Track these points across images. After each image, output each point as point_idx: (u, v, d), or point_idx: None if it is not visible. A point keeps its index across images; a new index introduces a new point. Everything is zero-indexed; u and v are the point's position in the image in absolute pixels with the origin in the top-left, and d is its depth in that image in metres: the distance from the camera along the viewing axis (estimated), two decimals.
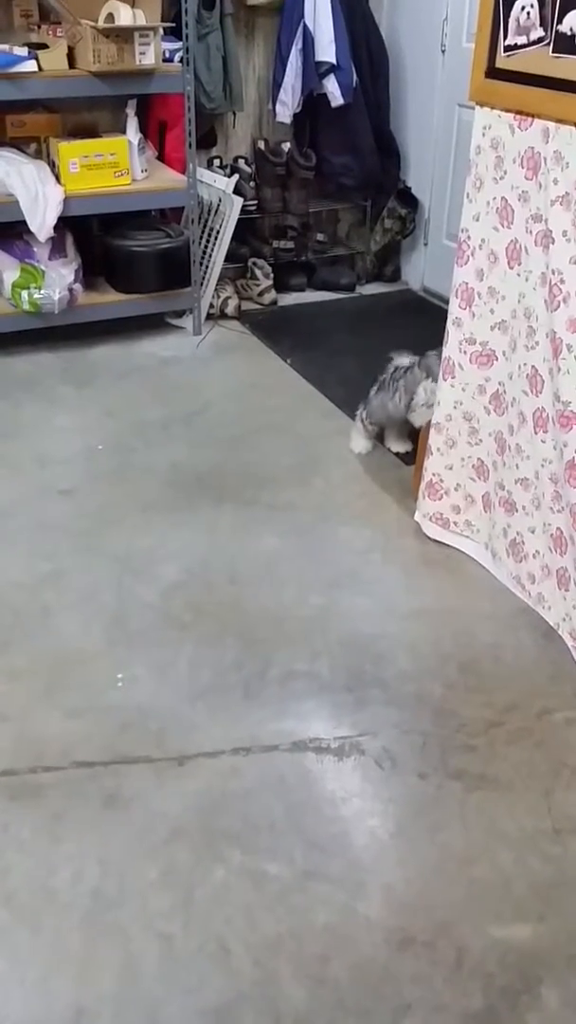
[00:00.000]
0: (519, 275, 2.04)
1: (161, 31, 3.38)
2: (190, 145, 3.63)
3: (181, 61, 3.57)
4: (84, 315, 3.70)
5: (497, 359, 2.17)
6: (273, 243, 4.42)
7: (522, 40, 1.85)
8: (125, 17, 3.30)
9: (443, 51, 4.04)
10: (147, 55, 3.35)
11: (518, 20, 1.84)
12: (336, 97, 4.07)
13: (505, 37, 1.88)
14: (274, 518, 2.66)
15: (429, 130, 4.22)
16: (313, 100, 4.14)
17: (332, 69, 4.02)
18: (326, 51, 3.98)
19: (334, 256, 4.62)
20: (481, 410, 2.26)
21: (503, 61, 1.91)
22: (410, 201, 4.37)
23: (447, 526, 2.49)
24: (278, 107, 4.12)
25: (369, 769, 1.83)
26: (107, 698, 1.98)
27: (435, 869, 1.65)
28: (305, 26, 3.96)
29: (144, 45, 3.33)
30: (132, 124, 3.62)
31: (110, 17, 3.33)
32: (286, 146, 4.24)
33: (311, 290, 4.53)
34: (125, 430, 3.15)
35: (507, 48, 1.89)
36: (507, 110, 1.94)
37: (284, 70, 4.04)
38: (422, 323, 4.14)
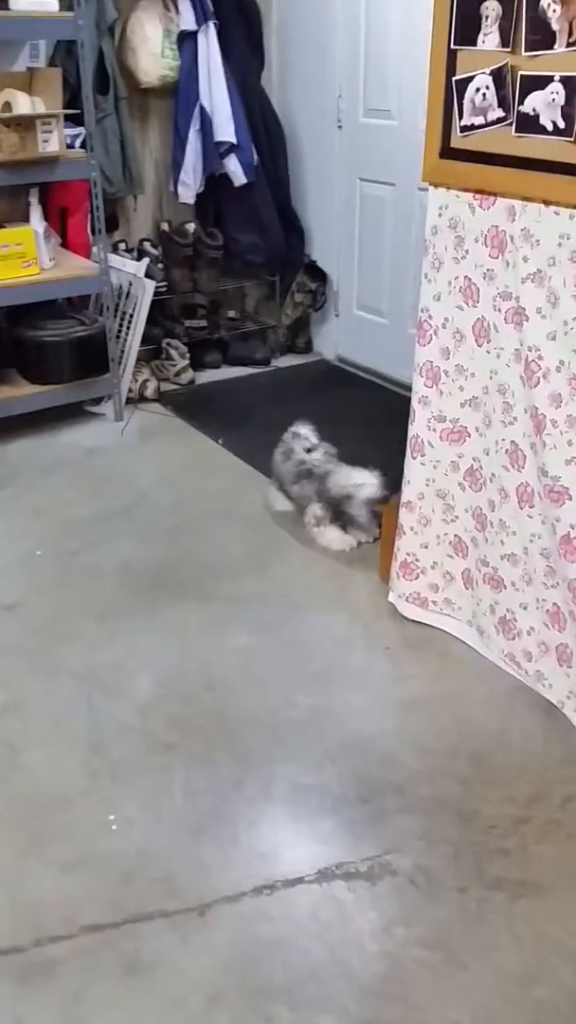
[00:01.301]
0: (488, 352, 2.00)
1: (63, 118, 3.29)
2: (98, 231, 3.53)
3: (82, 146, 3.49)
4: None
5: (470, 435, 2.13)
6: (185, 322, 4.34)
7: (479, 120, 1.84)
8: (23, 105, 3.20)
9: (339, 127, 4.10)
10: (50, 142, 3.25)
11: (473, 101, 1.84)
12: (239, 176, 4.06)
13: (461, 117, 1.87)
14: (241, 612, 2.51)
15: (331, 204, 4.27)
16: (215, 179, 4.12)
17: (232, 148, 4.02)
18: (225, 130, 3.98)
19: (246, 332, 4.57)
20: (455, 487, 2.21)
21: (459, 141, 1.90)
22: (318, 275, 4.38)
23: (425, 605, 2.41)
24: (180, 188, 4.08)
25: (405, 891, 1.69)
26: (102, 845, 1.78)
27: (498, 995, 1.52)
28: (202, 106, 3.94)
29: (47, 132, 3.23)
30: (36, 212, 3.50)
31: (7, 106, 3.22)
32: (191, 226, 4.19)
33: (227, 366, 4.46)
34: (61, 531, 2.95)
35: (464, 128, 1.87)
36: (466, 189, 1.93)
37: (184, 151, 4.01)
38: (344, 392, 4.15)
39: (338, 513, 2.78)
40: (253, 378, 4.36)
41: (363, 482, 2.74)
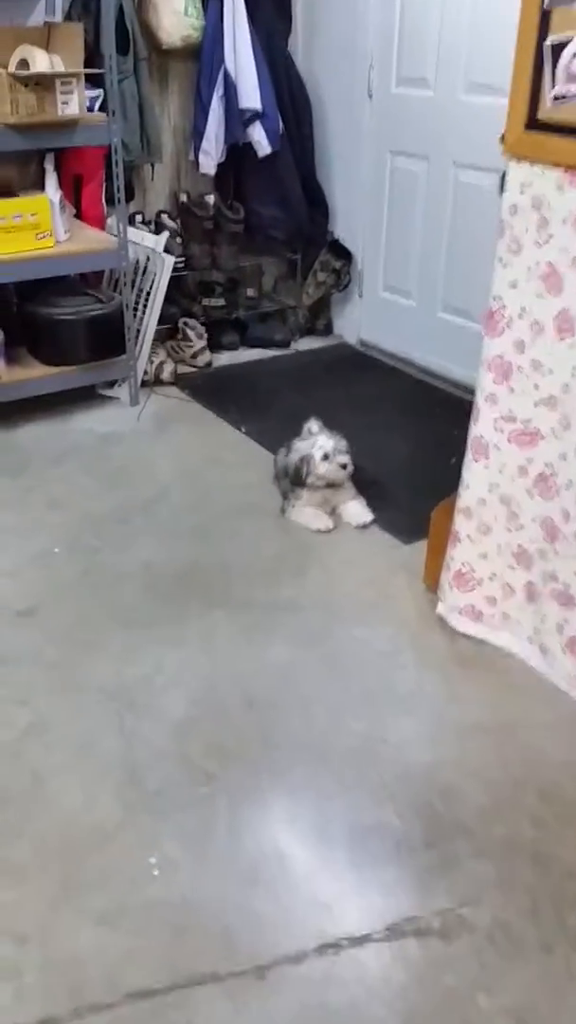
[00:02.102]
0: (572, 347, 1.81)
1: (83, 78, 3.04)
2: (118, 201, 3.29)
3: (101, 109, 3.25)
4: (7, 393, 3.29)
5: (543, 438, 1.94)
6: (203, 301, 4.12)
7: (575, 89, 1.63)
8: (42, 63, 2.96)
9: (370, 97, 3.86)
10: (70, 105, 3.01)
11: (569, 68, 1.63)
12: (263, 146, 3.82)
13: (553, 85, 1.66)
14: (277, 621, 2.33)
15: (357, 178, 4.04)
16: (237, 149, 3.89)
17: (257, 116, 3.78)
18: (250, 97, 3.74)
19: (264, 312, 4.35)
20: (523, 493, 2.02)
21: (549, 112, 1.69)
22: (343, 253, 4.16)
23: (480, 619, 2.23)
24: (201, 158, 3.84)
25: (484, 950, 1.52)
26: (143, 893, 1.60)
27: None
28: (226, 71, 3.70)
29: (66, 94, 2.99)
30: (52, 180, 3.27)
31: (23, 63, 2.97)
32: (210, 198, 3.96)
33: (244, 348, 4.25)
34: (78, 526, 2.75)
35: (557, 98, 1.67)
36: (555, 165, 1.72)
37: (206, 118, 3.77)
38: (369, 378, 3.94)
39: (302, 480, 2.70)
40: (273, 361, 4.15)
41: (315, 441, 2.70)
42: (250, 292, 4.32)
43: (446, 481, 2.70)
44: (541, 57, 1.67)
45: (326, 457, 2.66)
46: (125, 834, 1.71)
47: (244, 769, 1.87)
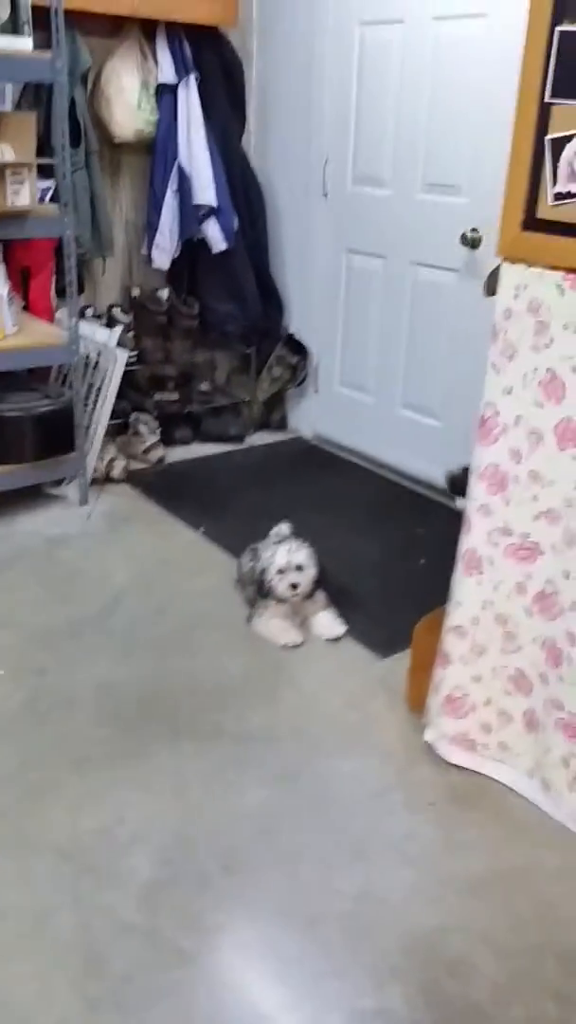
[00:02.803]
0: (575, 459, 1.68)
1: (35, 168, 2.92)
2: (70, 295, 3.14)
3: (52, 201, 3.13)
4: None
5: (543, 553, 1.79)
6: (155, 396, 3.96)
7: None
8: None
9: (325, 195, 3.83)
10: (20, 195, 2.88)
11: (571, 164, 1.54)
12: (218, 242, 3.75)
13: (555, 183, 1.57)
14: (251, 755, 2.10)
15: (313, 275, 3.97)
16: (191, 244, 3.80)
17: (212, 212, 3.71)
18: (205, 193, 3.68)
19: (217, 406, 4.21)
20: (520, 612, 1.86)
21: (549, 211, 1.60)
22: (299, 349, 4.07)
23: (473, 749, 2.03)
24: (155, 252, 3.74)
25: None
26: None
27: None
28: (180, 166, 3.64)
29: (17, 184, 2.86)
30: (0, 272, 3.10)
31: None
32: (163, 293, 3.84)
33: (197, 442, 4.09)
34: (25, 643, 2.50)
35: (558, 196, 1.57)
36: (554, 267, 1.62)
37: (159, 213, 3.68)
38: (328, 475, 3.81)
39: (264, 591, 2.53)
40: (228, 457, 3.99)
41: (274, 552, 2.53)
42: (204, 386, 4.18)
43: (417, 586, 2.52)
44: (539, 154, 1.58)
45: (281, 572, 2.48)
46: None
47: (225, 948, 1.61)
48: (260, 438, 4.21)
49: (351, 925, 1.66)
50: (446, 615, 1.99)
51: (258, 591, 2.54)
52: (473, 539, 1.86)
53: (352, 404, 3.97)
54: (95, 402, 3.44)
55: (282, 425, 4.33)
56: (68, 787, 1.97)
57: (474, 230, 3.21)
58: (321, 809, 1.94)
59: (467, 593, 1.91)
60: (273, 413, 4.31)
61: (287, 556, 2.49)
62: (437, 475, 3.56)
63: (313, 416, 4.21)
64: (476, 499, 1.83)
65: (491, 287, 1.88)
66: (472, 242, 3.21)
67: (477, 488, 1.83)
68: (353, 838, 1.86)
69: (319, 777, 2.04)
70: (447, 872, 1.79)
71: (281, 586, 2.48)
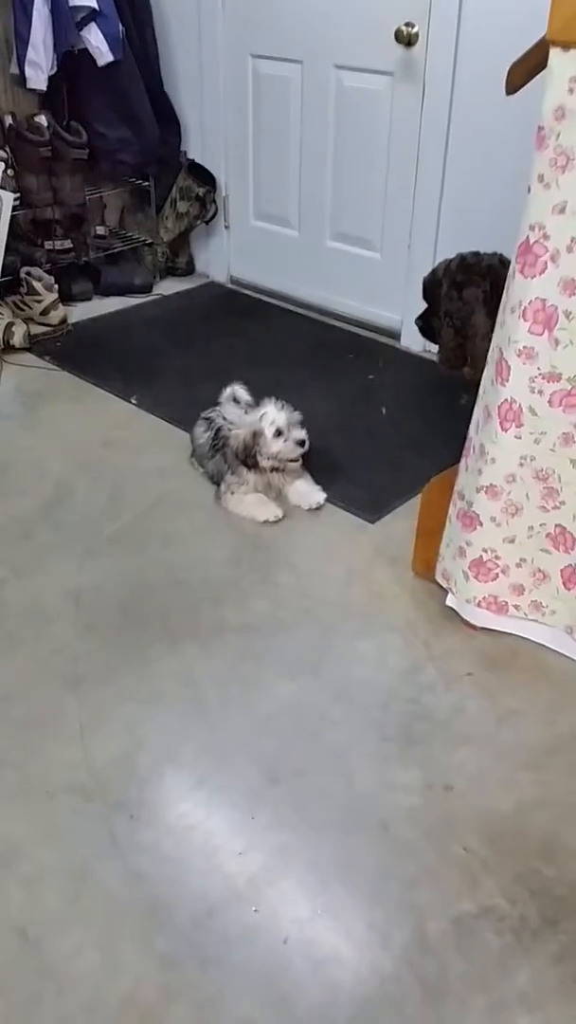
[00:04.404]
0: None
1: None
2: None
3: None
4: None
5: None
6: (45, 245, 3.44)
7: None
8: None
9: None
10: None
11: None
12: (103, 54, 3.18)
13: None
14: (263, 649, 1.89)
15: (213, 89, 3.46)
16: (70, 59, 3.21)
17: (92, 17, 3.12)
18: None
19: (114, 253, 3.73)
20: (566, 465, 1.67)
21: None
22: (206, 177, 3.60)
23: (504, 611, 1.89)
24: (28, 70, 3.14)
25: None
26: None
27: None
28: None
29: None
30: None
31: None
32: (42, 119, 3.27)
33: (99, 297, 3.63)
34: None
35: None
36: None
37: (29, 22, 3.07)
38: (254, 323, 3.46)
39: (251, 462, 2.25)
40: (138, 311, 3.57)
41: (264, 411, 2.26)
42: (99, 230, 3.68)
43: (386, 440, 2.30)
44: None
45: (279, 433, 2.21)
46: (177, 1007, 1.25)
47: (293, 866, 1.45)
48: (169, 286, 3.78)
49: (424, 821, 1.52)
50: (469, 474, 1.79)
51: (243, 461, 2.25)
52: (512, 387, 1.63)
53: (271, 240, 3.58)
54: None
55: (190, 269, 3.91)
56: (67, 715, 1.71)
57: (409, 24, 2.80)
58: (353, 697, 1.77)
59: (502, 449, 1.70)
60: (179, 257, 3.86)
61: (285, 415, 2.21)
62: (377, 315, 3.29)
63: (226, 257, 3.80)
64: (516, 340, 1.58)
65: (515, 81, 1.57)
66: (408, 39, 2.81)
67: (518, 328, 1.58)
68: (397, 723, 1.71)
69: (341, 662, 1.86)
70: (506, 745, 1.67)
71: (287, 447, 2.20)
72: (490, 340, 1.69)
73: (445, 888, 1.42)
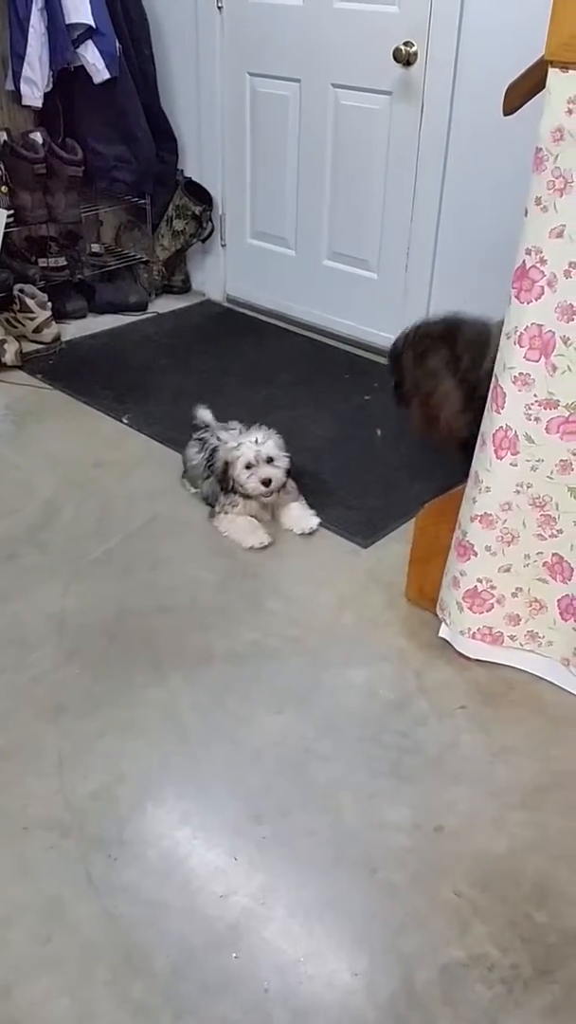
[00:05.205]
0: None
1: None
2: None
3: None
4: None
5: None
6: (39, 262, 3.42)
7: None
8: None
9: (220, 8, 3.26)
10: None
11: None
12: (99, 71, 3.16)
13: None
14: (250, 679, 1.83)
15: (210, 108, 3.44)
16: (66, 76, 3.19)
17: (89, 35, 3.10)
18: (79, 11, 3.07)
19: (109, 270, 3.70)
20: (563, 493, 1.62)
21: None
22: (201, 196, 3.57)
23: (499, 641, 1.84)
24: (23, 87, 3.13)
25: None
26: None
27: None
28: None
29: None
30: None
31: None
32: (37, 136, 3.24)
33: (93, 315, 3.60)
34: None
35: None
36: None
37: (25, 39, 3.07)
38: (250, 342, 3.42)
39: (229, 488, 2.22)
40: (132, 329, 3.54)
41: (240, 442, 2.21)
42: (94, 247, 3.66)
43: (381, 462, 2.26)
44: None
45: (249, 467, 2.16)
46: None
47: (277, 909, 1.39)
48: (163, 304, 3.75)
49: (413, 863, 1.47)
50: (466, 502, 1.74)
51: (222, 487, 2.22)
52: (508, 414, 1.59)
53: (267, 259, 3.55)
54: None
55: (185, 287, 3.88)
56: (47, 746, 1.66)
57: (408, 43, 2.78)
58: (342, 729, 1.72)
59: (497, 477, 1.65)
60: (175, 275, 3.84)
61: (255, 448, 2.17)
62: (374, 334, 3.26)
63: (222, 275, 3.77)
64: (512, 366, 1.54)
65: (512, 102, 1.53)
66: (407, 58, 2.79)
67: (513, 354, 1.54)
68: (387, 759, 1.66)
69: (331, 693, 1.81)
70: (500, 783, 1.62)
71: (251, 483, 2.16)
72: (465, 404, 1.67)
73: (434, 934, 1.36)
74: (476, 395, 1.86)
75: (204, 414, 2.53)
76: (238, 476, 2.17)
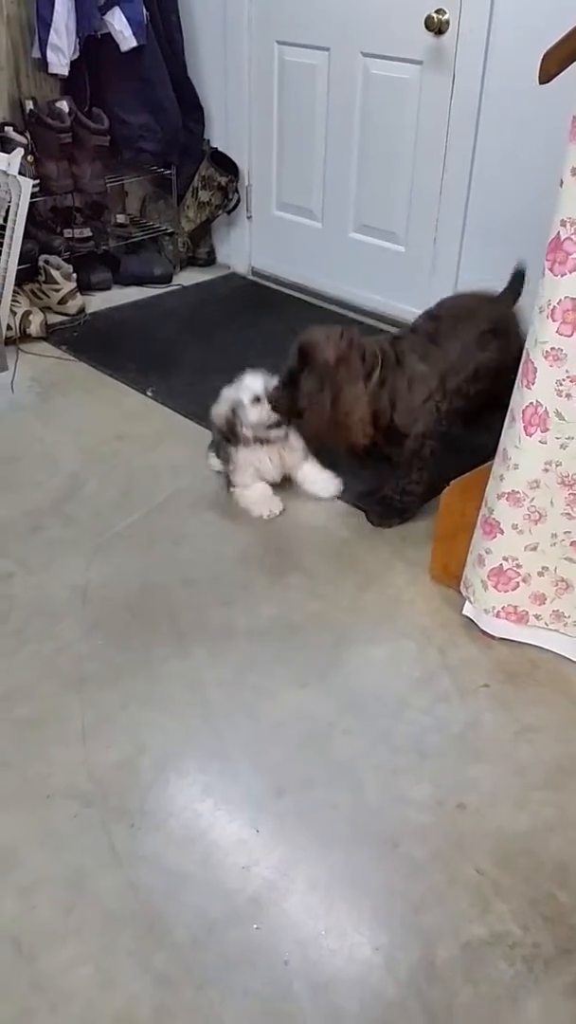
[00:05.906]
0: None
1: None
2: None
3: None
4: None
5: None
6: (64, 233, 3.40)
7: None
8: None
9: None
10: None
11: None
12: (126, 39, 3.12)
13: None
14: (274, 653, 1.83)
15: (237, 76, 3.40)
16: (92, 44, 3.16)
17: (116, 1, 3.06)
18: None
19: (134, 242, 3.68)
20: None
21: None
22: (228, 166, 3.53)
23: (524, 620, 1.82)
24: (50, 55, 3.09)
25: None
26: None
27: None
28: None
29: None
30: None
31: None
32: (63, 105, 3.22)
33: (118, 287, 3.59)
34: None
35: None
36: None
37: (52, 5, 3.02)
38: (275, 315, 3.40)
39: (236, 435, 2.16)
40: (158, 301, 3.52)
41: (240, 384, 2.17)
42: (120, 219, 3.63)
43: None
44: None
45: (257, 400, 2.13)
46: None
47: (297, 884, 1.39)
48: (188, 277, 3.73)
49: (434, 840, 1.47)
50: (493, 479, 1.72)
51: (227, 438, 2.18)
52: (538, 390, 1.56)
53: (294, 231, 3.52)
54: (0, 244, 2.89)
55: (210, 260, 3.85)
56: (71, 716, 1.67)
57: (440, 11, 2.72)
58: (365, 706, 1.72)
59: (526, 454, 1.63)
60: (199, 247, 3.81)
61: (261, 380, 2.13)
62: (401, 308, 3.22)
63: (247, 248, 3.73)
64: (545, 341, 1.52)
65: (549, 68, 1.49)
66: (439, 26, 2.73)
67: (546, 328, 1.51)
68: (410, 735, 1.65)
69: (353, 669, 1.81)
70: (523, 762, 1.61)
71: (262, 412, 2.11)
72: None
73: (455, 911, 1.36)
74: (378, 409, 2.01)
75: (253, 382, 2.43)
76: (248, 413, 2.13)
